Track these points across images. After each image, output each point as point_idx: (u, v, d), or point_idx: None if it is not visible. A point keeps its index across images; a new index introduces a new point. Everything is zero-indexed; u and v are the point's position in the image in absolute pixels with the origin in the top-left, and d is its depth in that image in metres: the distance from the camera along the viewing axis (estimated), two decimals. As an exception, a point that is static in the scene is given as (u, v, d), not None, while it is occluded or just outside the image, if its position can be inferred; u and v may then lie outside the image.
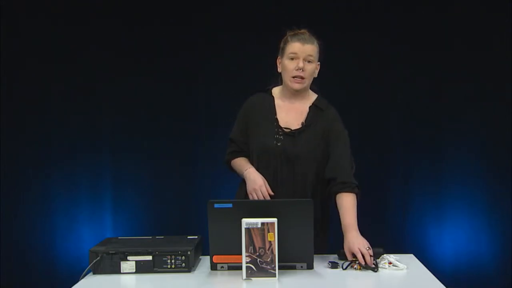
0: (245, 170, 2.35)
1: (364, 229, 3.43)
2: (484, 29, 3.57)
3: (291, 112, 2.39)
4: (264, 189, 2.29)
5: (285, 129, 2.35)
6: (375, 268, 2.03)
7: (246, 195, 2.36)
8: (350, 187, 2.24)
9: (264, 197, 2.28)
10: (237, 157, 2.44)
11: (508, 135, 3.56)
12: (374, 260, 2.06)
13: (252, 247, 1.91)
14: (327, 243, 2.42)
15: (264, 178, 2.31)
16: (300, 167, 2.32)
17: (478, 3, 3.57)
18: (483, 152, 3.60)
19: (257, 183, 2.30)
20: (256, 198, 2.28)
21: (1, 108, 3.62)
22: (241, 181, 2.45)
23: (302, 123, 2.36)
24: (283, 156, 2.32)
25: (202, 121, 3.69)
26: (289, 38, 2.34)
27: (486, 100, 3.59)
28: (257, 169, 2.34)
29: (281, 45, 2.37)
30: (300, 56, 2.29)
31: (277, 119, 2.37)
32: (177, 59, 3.67)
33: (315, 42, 2.33)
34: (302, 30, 2.34)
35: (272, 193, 2.30)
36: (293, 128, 2.35)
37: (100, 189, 3.68)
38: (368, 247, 2.07)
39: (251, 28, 3.57)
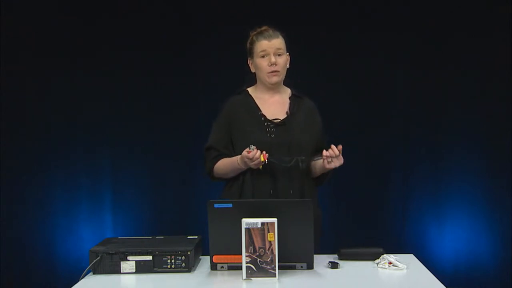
0: (237, 160, 2.30)
1: (364, 229, 3.46)
2: (484, 28, 3.57)
3: (273, 105, 2.44)
4: (245, 155, 2.22)
5: (274, 121, 2.39)
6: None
7: (240, 195, 2.36)
8: None
9: (252, 157, 2.21)
10: (219, 160, 2.41)
11: (508, 135, 3.56)
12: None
13: (252, 247, 1.91)
14: (321, 220, 2.45)
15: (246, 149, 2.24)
16: (297, 153, 2.34)
17: (478, 3, 3.57)
18: (483, 152, 3.60)
19: (243, 160, 2.24)
20: (259, 163, 2.23)
21: (1, 108, 3.62)
22: (225, 184, 2.45)
23: (287, 112, 2.41)
24: (279, 146, 2.34)
25: (202, 121, 3.67)
26: (254, 38, 2.42)
27: (486, 100, 3.59)
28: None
29: (248, 46, 2.46)
30: (270, 52, 2.37)
31: (262, 114, 2.40)
32: (178, 59, 3.67)
33: (280, 36, 2.41)
34: (264, 27, 2.42)
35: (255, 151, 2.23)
36: (281, 118, 2.40)
37: (100, 189, 3.68)
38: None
39: (251, 28, 3.56)
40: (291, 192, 2.34)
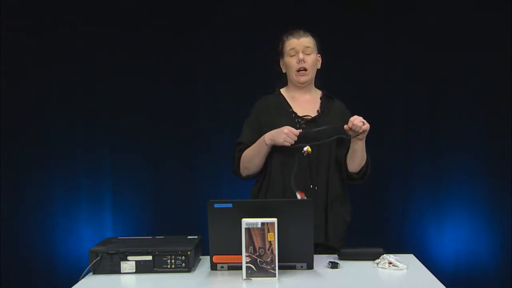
0: (263, 138, 2.35)
1: (364, 229, 3.46)
2: (484, 29, 3.57)
3: (304, 103, 2.47)
4: (292, 129, 2.30)
5: (304, 117, 2.41)
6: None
7: (266, 192, 2.40)
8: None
9: (296, 135, 2.30)
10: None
11: (508, 135, 3.56)
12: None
13: (252, 247, 1.91)
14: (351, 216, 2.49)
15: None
16: (325, 149, 2.38)
17: (479, 3, 3.57)
18: (483, 152, 3.60)
19: (283, 131, 2.31)
20: (291, 142, 2.29)
21: (1, 108, 3.62)
22: (255, 182, 2.49)
23: (318, 111, 2.45)
24: (308, 141, 2.35)
25: (202, 120, 3.69)
26: (285, 38, 2.48)
27: (486, 100, 3.59)
28: (283, 161, 2.37)
29: (280, 47, 2.50)
30: (298, 50, 2.42)
31: (293, 111, 2.44)
32: (178, 60, 3.66)
33: (310, 36, 2.46)
34: (296, 29, 2.47)
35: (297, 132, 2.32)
36: (312, 115, 2.43)
37: (100, 189, 3.68)
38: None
39: (251, 28, 3.57)
40: (316, 188, 2.37)
